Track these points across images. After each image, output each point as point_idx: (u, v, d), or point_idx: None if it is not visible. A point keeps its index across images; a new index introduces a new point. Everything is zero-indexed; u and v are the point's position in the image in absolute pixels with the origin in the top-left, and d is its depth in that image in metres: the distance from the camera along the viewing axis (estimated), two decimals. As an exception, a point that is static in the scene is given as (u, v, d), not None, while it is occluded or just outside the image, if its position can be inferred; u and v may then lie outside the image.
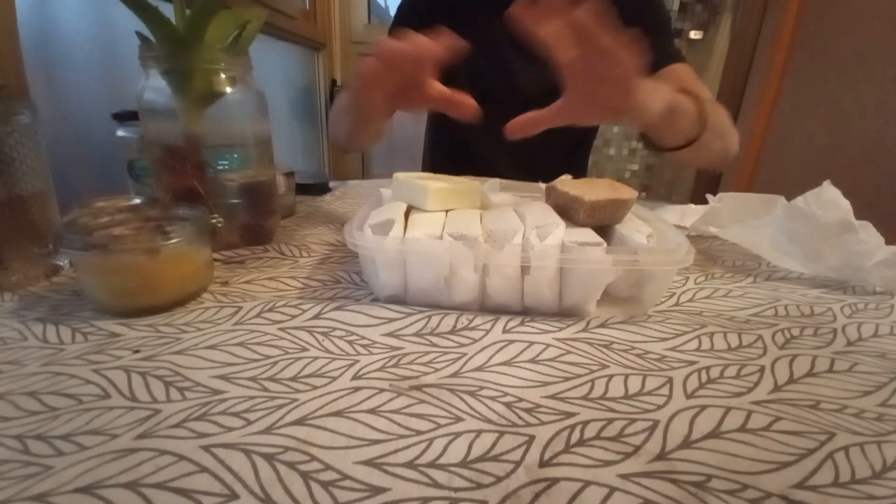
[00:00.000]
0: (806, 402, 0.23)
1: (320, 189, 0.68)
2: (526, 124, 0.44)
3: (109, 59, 0.63)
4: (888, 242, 0.37)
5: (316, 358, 0.26)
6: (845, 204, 0.37)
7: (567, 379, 0.25)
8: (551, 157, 0.86)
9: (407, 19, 0.83)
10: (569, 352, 0.27)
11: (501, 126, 0.49)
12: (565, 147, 0.87)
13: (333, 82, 1.61)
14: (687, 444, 0.20)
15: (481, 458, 0.19)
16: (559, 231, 0.31)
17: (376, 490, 0.17)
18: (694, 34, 1.95)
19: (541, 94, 0.75)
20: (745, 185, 1.81)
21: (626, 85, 0.42)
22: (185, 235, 0.31)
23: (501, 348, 0.28)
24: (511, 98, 0.78)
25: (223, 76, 0.39)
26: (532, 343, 0.28)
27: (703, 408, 0.23)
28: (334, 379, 0.24)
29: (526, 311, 0.32)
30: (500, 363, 0.26)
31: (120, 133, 0.50)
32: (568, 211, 0.35)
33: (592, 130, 0.92)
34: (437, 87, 0.47)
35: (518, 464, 0.19)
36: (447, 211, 0.36)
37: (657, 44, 0.82)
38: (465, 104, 0.46)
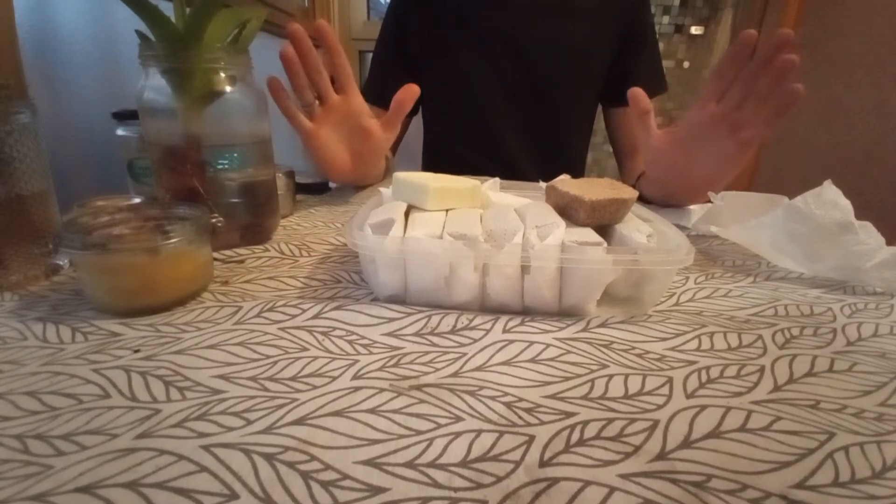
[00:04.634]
0: (806, 401, 0.23)
1: (320, 189, 0.68)
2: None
3: (109, 58, 0.63)
4: (888, 243, 0.37)
5: (316, 358, 0.26)
6: (846, 204, 0.37)
7: (567, 379, 0.25)
8: (544, 157, 0.87)
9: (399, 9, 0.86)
10: (569, 351, 0.27)
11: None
12: (556, 148, 0.88)
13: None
14: (687, 443, 0.20)
15: (481, 458, 0.19)
16: (559, 231, 0.31)
17: (376, 490, 0.17)
18: (695, 29, 1.95)
19: (522, 86, 0.79)
20: (745, 186, 1.81)
21: (741, 158, 0.50)
22: (185, 235, 0.31)
23: (501, 348, 0.28)
24: (494, 90, 0.80)
25: (223, 75, 0.39)
26: (532, 343, 0.28)
27: (703, 408, 0.23)
28: (334, 379, 0.24)
29: (526, 311, 0.32)
30: (500, 363, 0.26)
31: (120, 132, 0.50)
32: (568, 211, 0.35)
33: (584, 139, 0.92)
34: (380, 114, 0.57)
35: (518, 464, 0.19)
36: (447, 211, 0.36)
37: (658, 68, 0.85)
38: (404, 97, 0.55)
